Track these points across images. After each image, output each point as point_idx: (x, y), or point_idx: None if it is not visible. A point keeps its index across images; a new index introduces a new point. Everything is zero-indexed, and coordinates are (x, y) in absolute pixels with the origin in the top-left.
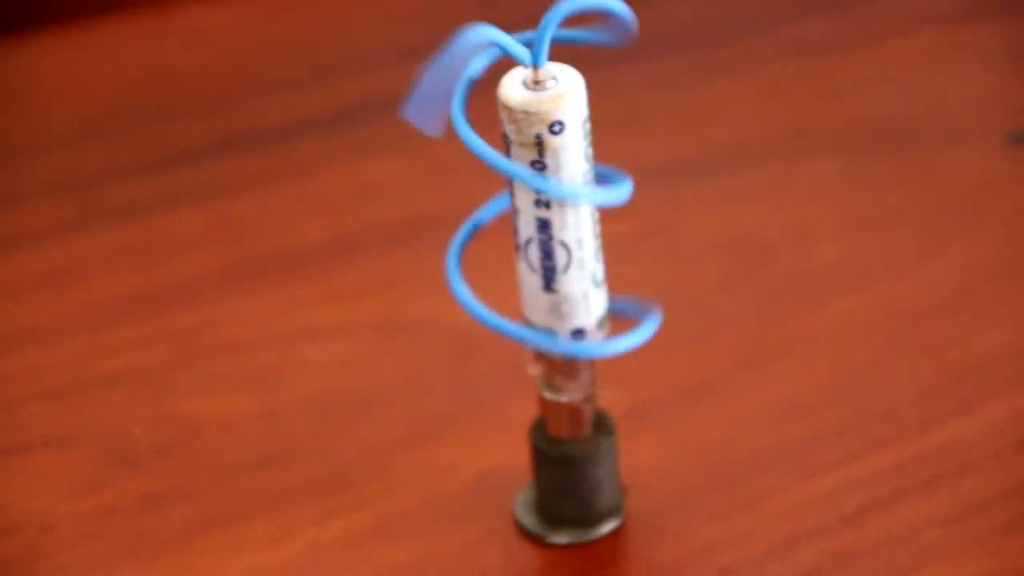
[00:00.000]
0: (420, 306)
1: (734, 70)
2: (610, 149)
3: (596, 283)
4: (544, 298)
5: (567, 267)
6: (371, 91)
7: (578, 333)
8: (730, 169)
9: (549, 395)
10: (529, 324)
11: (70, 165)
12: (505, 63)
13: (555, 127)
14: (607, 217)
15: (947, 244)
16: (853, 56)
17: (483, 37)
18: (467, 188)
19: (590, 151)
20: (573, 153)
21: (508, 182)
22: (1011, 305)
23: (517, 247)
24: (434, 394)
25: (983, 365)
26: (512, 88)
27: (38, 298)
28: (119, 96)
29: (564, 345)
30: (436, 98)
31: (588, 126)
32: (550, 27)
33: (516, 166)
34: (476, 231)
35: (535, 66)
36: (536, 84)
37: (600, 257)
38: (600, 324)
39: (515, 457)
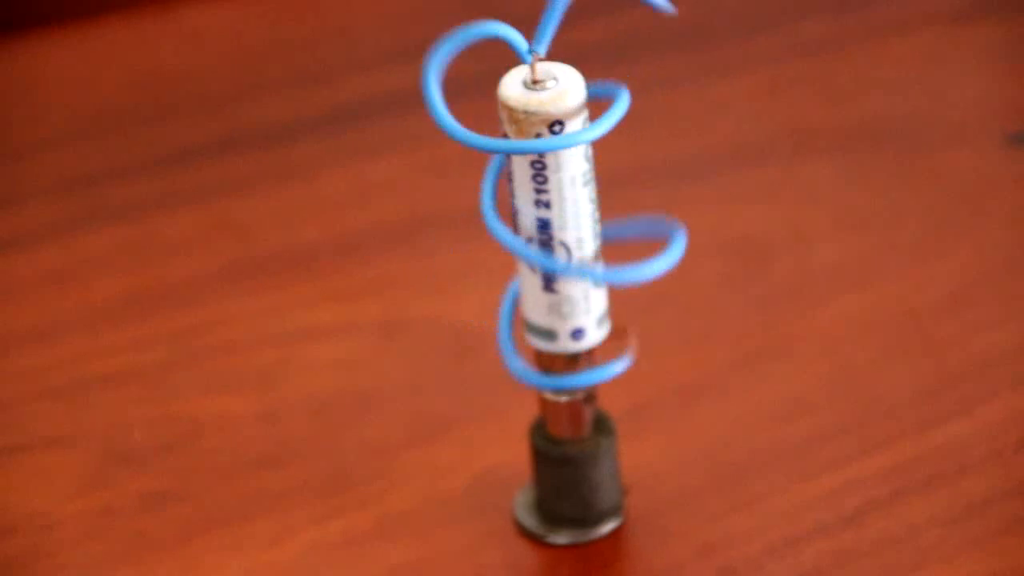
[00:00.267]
0: (420, 306)
1: (734, 70)
2: (610, 149)
3: (596, 283)
4: (544, 298)
5: None
6: (371, 91)
7: (578, 333)
8: (730, 169)
9: (549, 395)
10: (529, 324)
11: (70, 165)
12: (505, 63)
13: (555, 127)
14: (607, 217)
15: (947, 244)
16: (853, 56)
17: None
18: (467, 188)
19: (590, 151)
20: (573, 153)
21: (508, 177)
22: (1011, 305)
23: None
24: (434, 394)
25: (983, 365)
26: (512, 88)
27: (38, 298)
28: (119, 96)
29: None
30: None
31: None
32: (555, 15)
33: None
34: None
35: (535, 55)
36: (536, 84)
37: (600, 257)
38: (600, 324)
39: (515, 457)
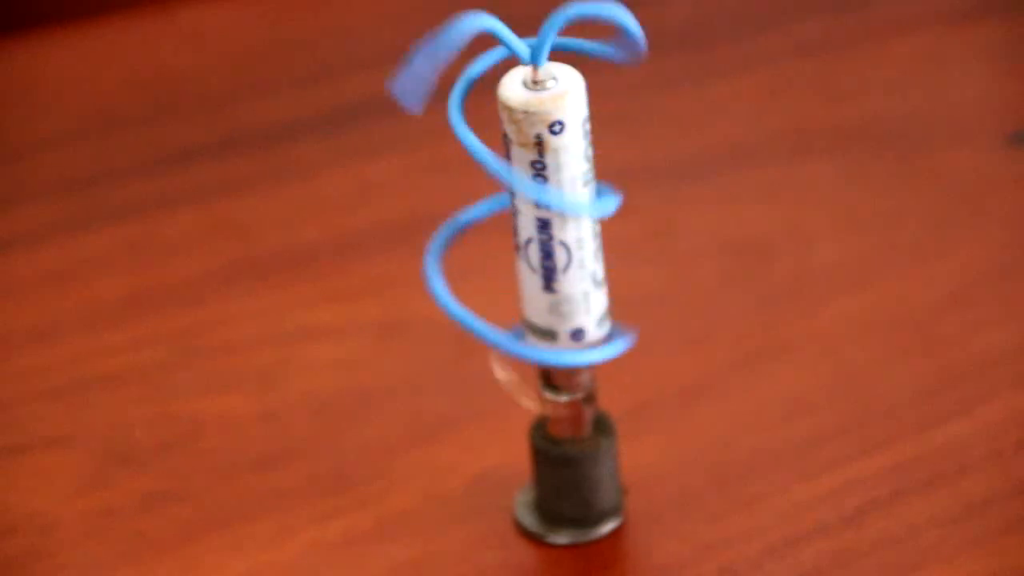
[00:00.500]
0: (420, 306)
1: (734, 70)
2: (610, 149)
3: (596, 283)
4: (544, 298)
5: (567, 267)
6: (371, 91)
7: (578, 333)
8: (730, 169)
9: (549, 395)
10: (529, 324)
11: (70, 165)
12: (505, 63)
13: (555, 127)
14: (608, 216)
15: (947, 244)
16: (853, 56)
17: (482, 25)
18: (467, 188)
19: (590, 151)
20: (573, 153)
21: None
22: (1011, 305)
23: (517, 247)
24: (434, 394)
25: (983, 365)
26: (512, 88)
27: (38, 298)
28: (119, 96)
29: (526, 351)
30: (424, 77)
31: (588, 126)
32: (554, 28)
33: (511, 172)
34: (459, 233)
35: (535, 64)
36: (536, 84)
37: (600, 257)
38: (600, 323)
39: (515, 457)
